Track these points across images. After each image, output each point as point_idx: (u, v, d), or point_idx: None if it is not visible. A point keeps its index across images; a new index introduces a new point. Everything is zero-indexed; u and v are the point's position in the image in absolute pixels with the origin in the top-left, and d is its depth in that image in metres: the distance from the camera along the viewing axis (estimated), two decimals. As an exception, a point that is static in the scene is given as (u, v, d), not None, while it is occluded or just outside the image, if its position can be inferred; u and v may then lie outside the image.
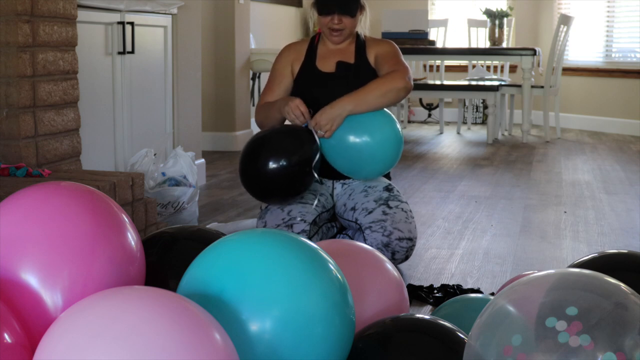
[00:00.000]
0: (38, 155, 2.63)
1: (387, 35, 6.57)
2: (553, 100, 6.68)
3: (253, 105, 5.84)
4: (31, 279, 1.30)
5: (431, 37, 7.33)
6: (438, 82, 6.98)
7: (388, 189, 2.73)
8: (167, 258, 1.62)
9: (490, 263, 2.78)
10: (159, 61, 3.63)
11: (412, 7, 7.77)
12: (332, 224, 2.80)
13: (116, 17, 3.23)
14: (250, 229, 2.08)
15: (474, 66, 7.44)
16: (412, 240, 2.61)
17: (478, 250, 2.95)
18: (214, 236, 1.65)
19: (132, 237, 1.43)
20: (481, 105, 7.86)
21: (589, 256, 1.56)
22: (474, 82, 6.71)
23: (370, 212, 2.64)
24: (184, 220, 3.12)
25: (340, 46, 2.84)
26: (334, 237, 2.78)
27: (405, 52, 5.73)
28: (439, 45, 7.34)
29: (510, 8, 7.25)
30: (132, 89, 3.37)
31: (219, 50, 5.44)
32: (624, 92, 7.04)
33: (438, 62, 7.39)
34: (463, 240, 3.09)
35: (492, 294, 2.20)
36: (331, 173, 2.78)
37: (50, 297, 1.30)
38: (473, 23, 7.55)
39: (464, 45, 7.74)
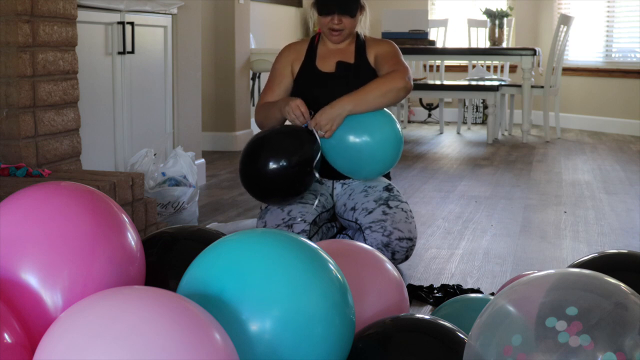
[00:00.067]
0: (38, 155, 2.63)
1: (387, 35, 6.56)
2: (553, 100, 6.68)
3: (253, 105, 5.84)
4: (31, 279, 1.30)
5: (431, 37, 7.33)
6: (438, 82, 6.98)
7: (388, 189, 2.73)
8: (167, 258, 1.62)
9: (490, 263, 2.78)
10: (159, 61, 3.63)
11: (412, 7, 7.76)
12: (332, 224, 2.80)
13: (116, 17, 3.23)
14: (250, 229, 2.08)
15: (474, 66, 7.44)
16: (412, 240, 2.61)
17: (478, 250, 2.95)
18: (214, 236, 1.65)
19: (132, 237, 1.43)
20: (481, 105, 7.86)
21: (589, 256, 1.56)
22: (474, 82, 6.71)
23: (370, 212, 2.64)
24: (184, 220, 3.12)
25: (340, 46, 2.85)
26: (334, 237, 2.78)
27: (405, 52, 5.73)
28: (439, 45, 7.34)
29: (510, 8, 7.25)
30: (132, 89, 3.37)
31: (219, 50, 5.44)
32: (624, 92, 7.03)
33: (438, 62, 7.39)
34: (463, 240, 3.09)
35: (492, 294, 2.20)
36: (331, 173, 2.78)
37: (50, 297, 1.30)
38: (473, 23, 7.55)
39: (464, 45, 7.74)
